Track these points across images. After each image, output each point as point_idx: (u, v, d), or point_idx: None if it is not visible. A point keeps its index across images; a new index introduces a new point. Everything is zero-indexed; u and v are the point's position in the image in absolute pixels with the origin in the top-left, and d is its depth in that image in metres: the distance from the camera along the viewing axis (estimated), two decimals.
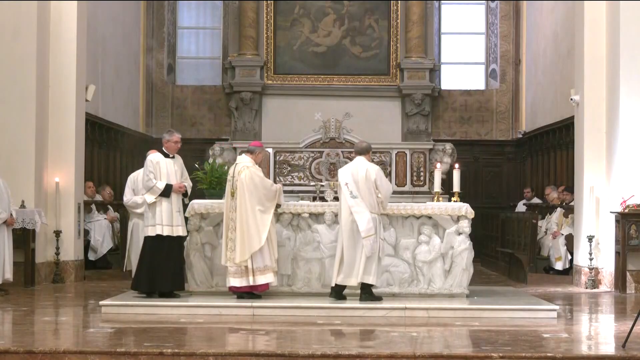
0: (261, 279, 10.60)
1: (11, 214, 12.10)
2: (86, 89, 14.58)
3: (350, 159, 18.11)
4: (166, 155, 10.99)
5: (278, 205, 10.88)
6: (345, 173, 10.78)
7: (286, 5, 20.12)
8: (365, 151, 10.94)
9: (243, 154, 11.15)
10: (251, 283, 10.58)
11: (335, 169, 17.90)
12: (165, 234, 10.72)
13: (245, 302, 10.39)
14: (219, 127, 20.57)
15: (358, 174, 10.67)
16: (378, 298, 10.67)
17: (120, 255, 15.18)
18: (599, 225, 13.39)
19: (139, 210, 11.46)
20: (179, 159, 11.11)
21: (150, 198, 10.77)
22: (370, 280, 10.58)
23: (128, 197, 11.66)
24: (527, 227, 14.96)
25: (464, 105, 20.88)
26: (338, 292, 10.69)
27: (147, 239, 10.82)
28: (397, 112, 19.94)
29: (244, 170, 10.80)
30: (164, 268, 10.71)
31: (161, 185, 10.75)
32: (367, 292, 10.64)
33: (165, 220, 10.73)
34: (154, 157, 10.97)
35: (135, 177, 11.67)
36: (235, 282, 10.64)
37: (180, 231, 10.87)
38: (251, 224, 10.61)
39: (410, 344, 8.43)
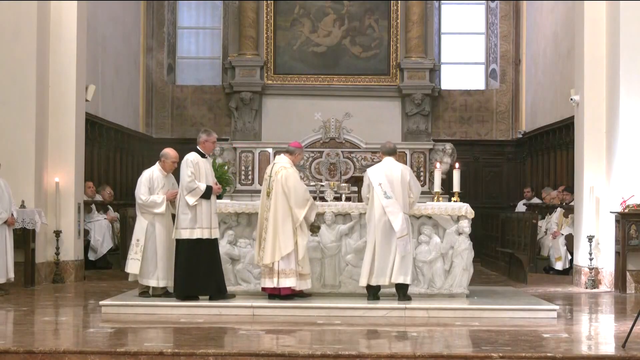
0: (284, 282, 10.53)
1: (12, 214, 12.11)
2: (86, 89, 14.57)
3: (350, 159, 18.37)
4: (202, 156, 10.75)
5: (310, 223, 10.76)
6: (378, 173, 10.78)
7: (286, 5, 20.12)
8: (393, 152, 11.05)
9: (282, 154, 11.01)
10: (275, 285, 10.54)
11: (335, 169, 17.91)
12: (205, 237, 10.48)
13: (245, 302, 10.38)
14: (219, 127, 20.54)
15: (392, 174, 10.72)
16: (409, 297, 10.70)
17: (120, 255, 15.18)
18: (599, 225, 13.39)
19: (157, 210, 10.88)
20: (209, 159, 10.90)
21: (191, 200, 10.41)
22: (407, 280, 10.66)
23: (146, 195, 10.88)
24: (527, 227, 14.96)
25: (464, 105, 20.88)
26: (375, 293, 10.71)
27: (185, 242, 10.46)
28: (397, 112, 19.95)
29: (282, 170, 10.71)
30: (206, 271, 10.48)
31: (203, 187, 10.48)
32: (404, 292, 10.68)
33: (205, 223, 10.48)
34: (193, 157, 10.62)
35: (150, 175, 11.01)
36: (266, 282, 10.62)
37: (217, 233, 10.69)
38: (283, 226, 10.52)
39: (410, 344, 8.43)
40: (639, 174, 12.89)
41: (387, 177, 10.71)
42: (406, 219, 10.65)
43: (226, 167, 13.10)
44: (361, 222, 11.27)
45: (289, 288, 10.56)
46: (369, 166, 17.91)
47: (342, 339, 8.74)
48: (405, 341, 8.63)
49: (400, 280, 10.60)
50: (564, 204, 15.63)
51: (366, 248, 10.78)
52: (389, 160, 10.91)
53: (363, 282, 10.69)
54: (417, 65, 19.73)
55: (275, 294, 10.61)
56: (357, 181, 13.02)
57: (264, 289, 10.73)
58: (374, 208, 10.70)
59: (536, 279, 14.27)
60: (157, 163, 11.11)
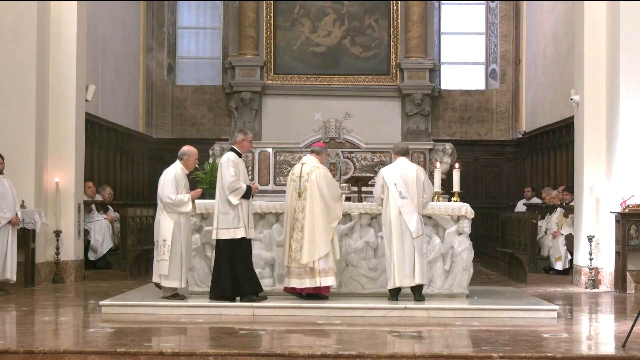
0: (325, 281, 10.55)
1: (16, 214, 12.11)
2: (86, 89, 14.58)
3: (350, 159, 18.35)
4: (239, 155, 10.74)
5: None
6: (392, 173, 10.75)
7: (286, 5, 20.13)
8: (407, 152, 11.07)
9: (308, 155, 11.04)
10: (317, 284, 10.54)
11: (335, 169, 17.89)
12: (247, 236, 10.51)
13: (245, 302, 10.37)
14: (219, 127, 20.57)
15: (407, 175, 10.70)
16: (423, 298, 10.67)
17: (120, 255, 15.17)
18: (599, 225, 13.40)
19: (185, 209, 10.70)
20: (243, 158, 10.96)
21: (234, 200, 10.38)
22: (424, 280, 10.68)
23: (175, 195, 10.62)
24: (527, 227, 14.96)
25: (464, 105, 20.88)
26: (397, 294, 10.71)
27: (229, 242, 10.43)
28: (397, 112, 19.96)
29: (315, 170, 10.72)
30: (246, 271, 10.52)
31: (245, 187, 10.47)
32: (420, 292, 10.68)
33: (247, 223, 10.49)
34: (234, 157, 10.60)
35: (175, 174, 10.79)
36: (296, 283, 10.61)
37: (252, 233, 10.73)
38: (321, 225, 10.53)
39: (410, 344, 8.43)
40: (639, 174, 12.89)
41: (402, 177, 10.68)
42: (420, 219, 10.65)
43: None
44: (361, 222, 11.28)
45: (329, 287, 10.60)
46: (369, 166, 18.07)
47: (342, 339, 8.74)
48: (405, 341, 8.63)
49: (419, 281, 10.59)
50: (564, 204, 15.62)
51: (386, 250, 10.73)
52: (402, 161, 10.90)
53: (391, 285, 10.65)
54: (417, 65, 19.73)
55: (304, 294, 10.59)
56: (357, 181, 13.02)
57: (292, 289, 10.65)
58: (389, 209, 10.65)
59: (536, 279, 14.27)
60: (178, 162, 10.93)
